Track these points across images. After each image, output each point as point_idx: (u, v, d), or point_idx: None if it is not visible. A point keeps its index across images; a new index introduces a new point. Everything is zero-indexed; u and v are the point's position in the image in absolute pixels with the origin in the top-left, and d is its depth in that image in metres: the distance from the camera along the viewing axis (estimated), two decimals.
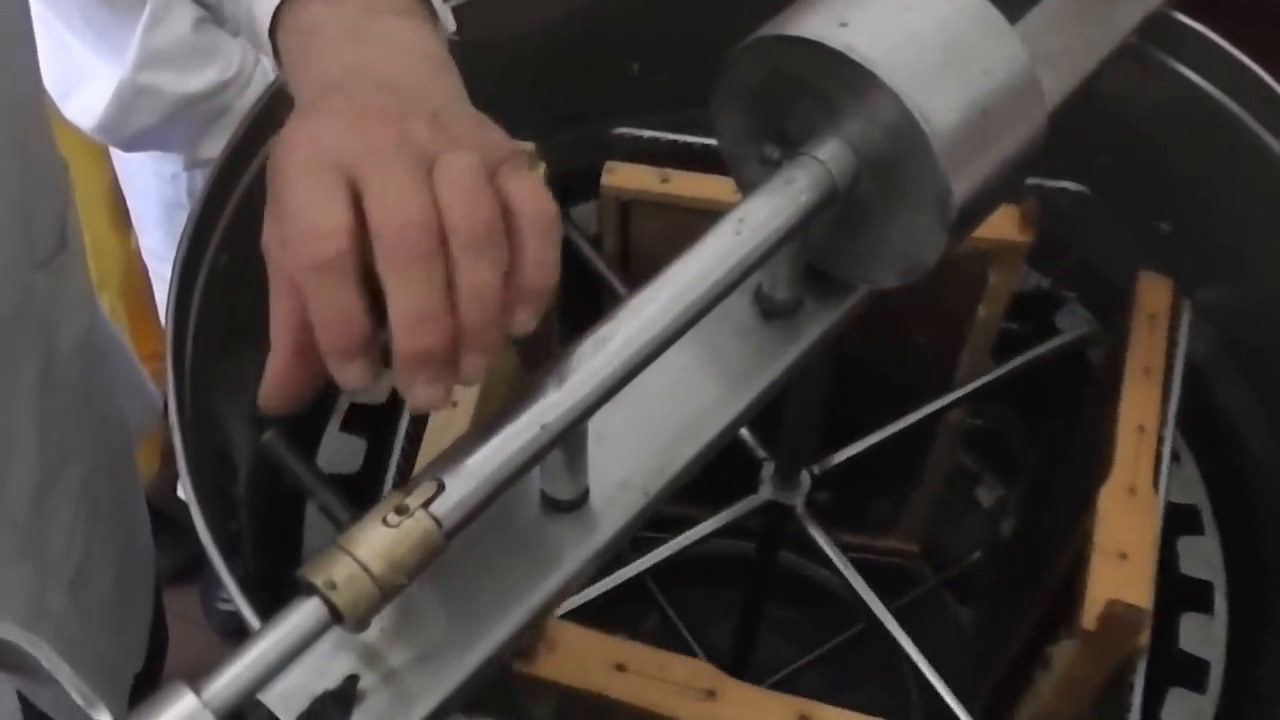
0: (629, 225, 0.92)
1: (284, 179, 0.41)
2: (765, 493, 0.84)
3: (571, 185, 0.92)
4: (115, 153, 1.24)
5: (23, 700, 0.77)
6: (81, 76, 1.00)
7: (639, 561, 0.89)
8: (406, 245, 0.39)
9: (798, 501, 0.84)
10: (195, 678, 0.38)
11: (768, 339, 0.61)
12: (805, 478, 0.88)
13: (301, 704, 0.45)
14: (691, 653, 1.12)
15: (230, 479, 0.74)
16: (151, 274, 1.33)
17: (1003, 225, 0.84)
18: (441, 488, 0.42)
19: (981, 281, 0.88)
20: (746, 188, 0.61)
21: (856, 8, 0.52)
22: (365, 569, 0.40)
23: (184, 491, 0.60)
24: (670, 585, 1.14)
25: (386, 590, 0.41)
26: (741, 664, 1.08)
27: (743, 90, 0.56)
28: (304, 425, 0.84)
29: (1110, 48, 0.76)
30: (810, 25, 0.51)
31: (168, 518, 1.08)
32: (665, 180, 0.88)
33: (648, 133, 0.93)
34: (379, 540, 0.41)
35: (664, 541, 0.89)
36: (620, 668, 0.64)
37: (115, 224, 1.36)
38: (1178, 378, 0.81)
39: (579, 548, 0.52)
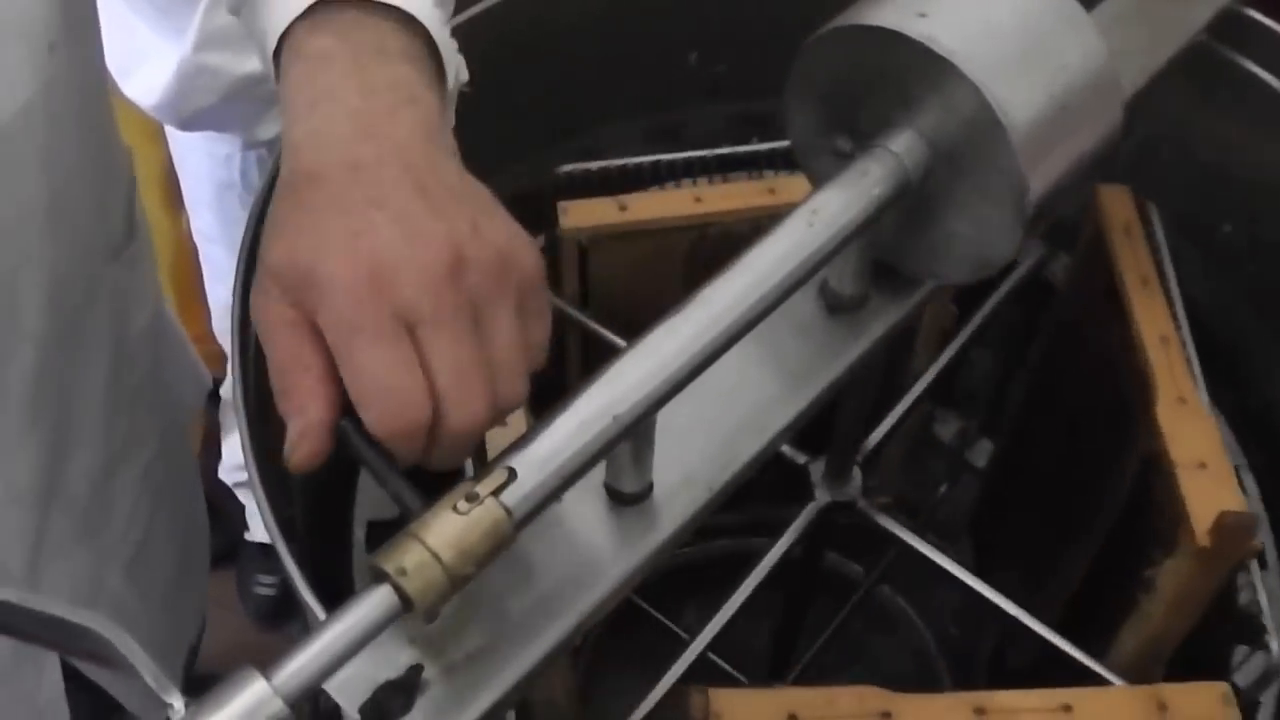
0: (587, 263, 0.88)
1: (340, 305, 0.41)
2: (823, 496, 0.82)
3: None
4: (170, 134, 1.23)
5: (67, 677, 0.78)
6: (142, 55, 1.00)
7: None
8: (472, 431, 0.42)
9: (856, 497, 0.83)
10: (265, 663, 0.37)
11: (832, 335, 0.60)
12: (856, 473, 0.87)
13: (363, 693, 0.45)
14: (731, 647, 1.11)
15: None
16: (201, 256, 1.33)
17: None
18: (513, 476, 0.42)
19: None
20: (816, 181, 0.60)
21: None
22: (435, 556, 0.40)
23: (249, 475, 0.60)
24: (700, 582, 1.13)
25: (456, 579, 0.40)
26: (783, 664, 1.07)
27: (816, 81, 0.56)
28: None
29: (1180, 45, 0.75)
30: (889, 15, 0.51)
31: (207, 501, 1.08)
32: (624, 208, 0.85)
33: (593, 165, 0.90)
34: (450, 528, 0.40)
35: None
36: (792, 717, 0.64)
37: (167, 205, 1.36)
38: (1173, 284, 0.80)
39: (641, 542, 0.51)
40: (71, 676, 0.78)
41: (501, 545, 0.41)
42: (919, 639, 1.19)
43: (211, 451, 1.53)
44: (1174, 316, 0.79)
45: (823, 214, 0.51)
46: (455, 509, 0.40)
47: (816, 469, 0.87)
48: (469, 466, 0.53)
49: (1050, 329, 0.98)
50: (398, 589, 0.40)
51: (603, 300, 0.89)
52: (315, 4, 0.47)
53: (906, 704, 0.62)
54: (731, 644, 1.10)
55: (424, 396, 0.41)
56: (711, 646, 0.78)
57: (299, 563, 0.58)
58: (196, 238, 1.32)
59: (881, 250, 0.59)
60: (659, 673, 0.73)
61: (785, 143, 0.89)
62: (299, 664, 0.38)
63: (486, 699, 0.46)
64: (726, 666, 0.98)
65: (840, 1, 0.54)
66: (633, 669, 0.76)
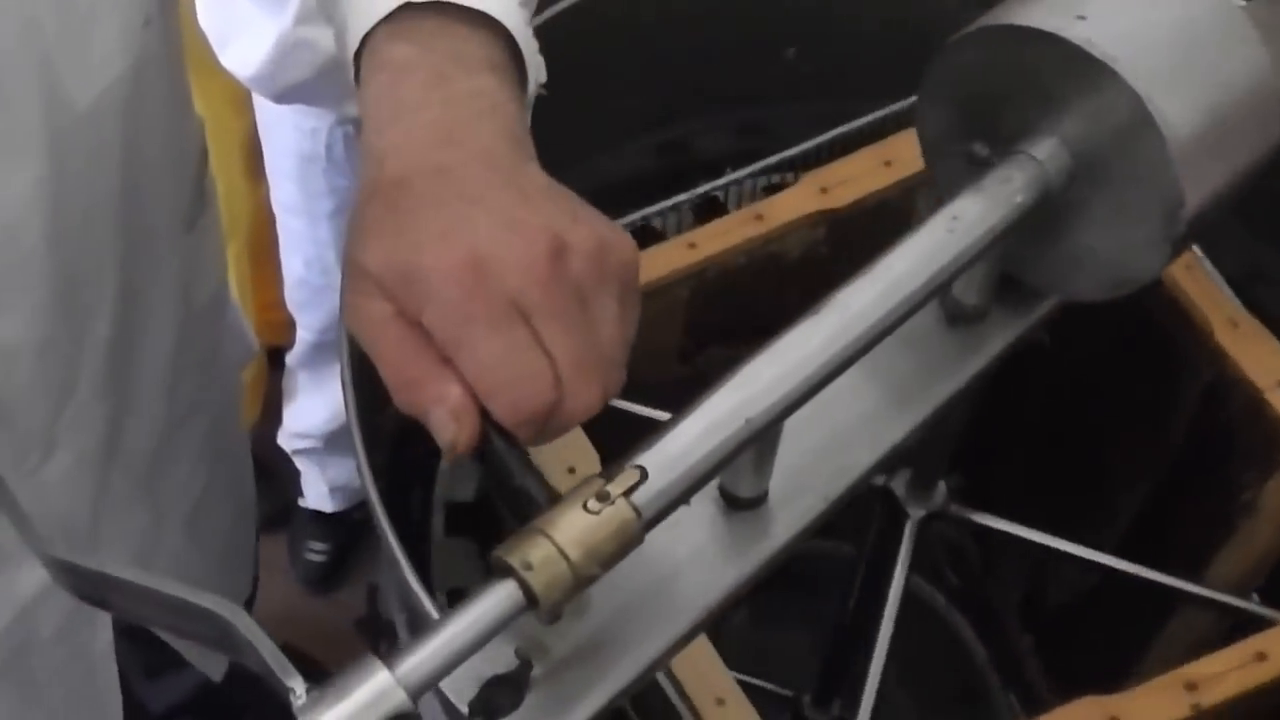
0: None
1: (449, 298, 0.39)
2: (917, 511, 0.80)
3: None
4: (258, 105, 1.23)
5: (119, 635, 0.78)
6: (242, 26, 0.99)
7: None
8: (589, 410, 0.41)
9: (945, 505, 0.81)
10: (389, 654, 0.36)
11: (951, 346, 0.58)
12: (941, 489, 0.85)
13: (472, 688, 0.43)
14: (781, 651, 1.09)
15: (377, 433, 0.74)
16: (279, 226, 1.33)
17: None
18: (644, 476, 0.40)
19: None
20: (945, 184, 0.58)
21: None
22: (562, 553, 0.38)
23: (356, 449, 0.59)
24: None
25: (581, 578, 0.39)
26: (838, 678, 1.05)
27: (955, 82, 0.53)
28: None
29: None
30: (1044, 16, 0.48)
31: (261, 465, 1.08)
32: (693, 246, 0.80)
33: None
34: (578, 526, 0.39)
35: None
36: None
37: (249, 174, 1.36)
38: None
39: (755, 548, 0.50)
40: (122, 634, 0.78)
41: (629, 546, 0.40)
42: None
43: (273, 417, 1.54)
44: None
45: (963, 220, 0.49)
46: (585, 507, 0.39)
47: (899, 485, 0.86)
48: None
49: None
50: (523, 584, 0.38)
51: None
52: (397, 9, 0.46)
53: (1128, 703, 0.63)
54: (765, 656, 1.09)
55: (551, 379, 0.40)
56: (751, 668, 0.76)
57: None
58: (276, 208, 1.31)
59: (1008, 261, 0.57)
60: None
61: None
62: (422, 657, 0.37)
63: (594, 700, 0.44)
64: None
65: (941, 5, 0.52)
66: None
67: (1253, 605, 0.78)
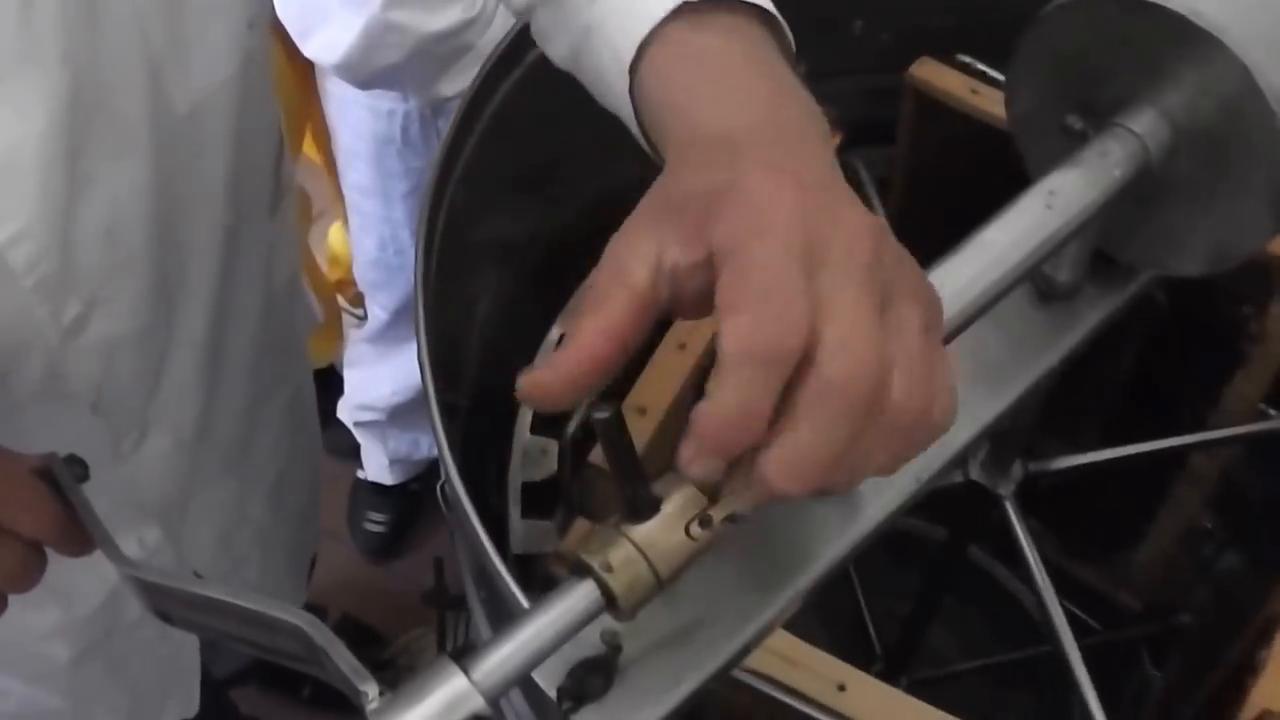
0: (923, 132, 0.85)
1: (756, 240, 0.35)
2: (972, 472, 0.79)
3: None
4: (329, 90, 1.23)
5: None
6: (325, 15, 1.00)
7: None
8: (845, 397, 0.34)
9: (1007, 491, 0.80)
10: (463, 657, 0.35)
11: (1043, 323, 0.57)
12: (1018, 469, 0.84)
13: (561, 672, 0.43)
14: (861, 621, 1.08)
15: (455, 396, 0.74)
16: (351, 208, 1.33)
17: None
18: None
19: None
20: (1035, 159, 0.57)
21: None
22: (645, 557, 0.37)
23: (432, 415, 0.58)
24: None
25: (665, 581, 0.37)
26: (909, 650, 1.04)
27: (1049, 53, 0.52)
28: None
29: None
30: None
31: None
32: (975, 92, 0.81)
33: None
34: (674, 544, 0.37)
35: None
36: None
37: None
38: None
39: (849, 529, 0.48)
40: None
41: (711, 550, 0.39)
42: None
43: (329, 391, 1.55)
44: None
45: (1061, 195, 0.47)
46: (689, 533, 0.37)
47: (975, 464, 0.84)
48: None
49: None
50: (602, 586, 0.37)
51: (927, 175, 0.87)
52: (680, 6, 0.45)
53: None
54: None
55: (805, 320, 0.34)
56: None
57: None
58: (348, 190, 1.31)
59: (1103, 237, 0.56)
60: None
61: None
62: (498, 659, 0.36)
63: (690, 682, 0.44)
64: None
65: None
66: None
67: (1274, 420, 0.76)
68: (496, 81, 0.73)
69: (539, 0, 0.52)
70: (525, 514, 0.78)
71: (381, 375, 1.48)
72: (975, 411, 0.54)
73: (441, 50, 1.03)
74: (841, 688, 0.58)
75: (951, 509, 0.88)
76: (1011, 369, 0.56)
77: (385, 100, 1.17)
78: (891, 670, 1.02)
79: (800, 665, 0.58)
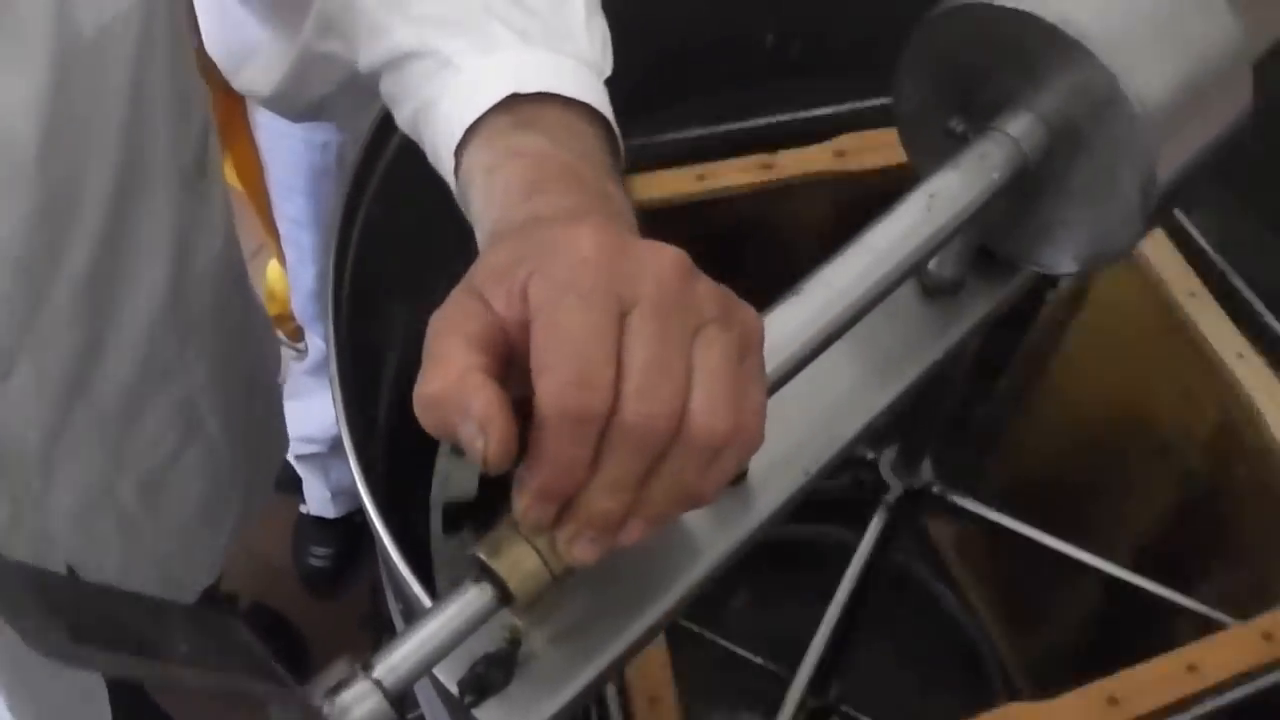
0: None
1: (563, 294, 0.36)
2: (898, 487, 0.81)
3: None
4: (260, 123, 1.21)
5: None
6: (254, 48, 0.98)
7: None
8: (646, 434, 0.36)
9: (930, 481, 0.82)
10: (361, 655, 0.36)
11: (928, 319, 0.58)
12: (927, 468, 0.86)
13: (463, 666, 0.44)
14: (780, 636, 1.11)
15: (371, 428, 0.74)
16: (287, 242, 1.31)
17: None
18: None
19: None
20: (920, 159, 0.59)
21: None
22: (537, 551, 0.38)
23: (350, 454, 0.59)
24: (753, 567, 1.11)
25: (558, 574, 0.38)
26: (837, 654, 1.06)
27: (932, 58, 0.53)
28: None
29: None
30: None
31: None
32: (702, 178, 0.81)
33: (663, 137, 0.87)
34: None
35: None
36: None
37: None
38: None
39: (739, 523, 0.49)
40: None
41: None
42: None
43: None
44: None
45: (941, 197, 0.49)
46: None
47: (886, 461, 0.87)
48: None
49: None
50: (498, 582, 0.38)
51: None
52: (509, 98, 0.46)
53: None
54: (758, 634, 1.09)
55: (608, 375, 0.36)
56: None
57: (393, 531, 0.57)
58: (283, 224, 1.29)
59: (985, 234, 0.58)
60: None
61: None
62: (400, 657, 0.37)
63: (589, 671, 0.44)
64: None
65: None
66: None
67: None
68: None
69: (384, 66, 0.54)
70: (450, 532, 0.78)
71: (323, 406, 1.45)
72: (865, 402, 0.56)
73: (373, 81, 1.02)
74: None
75: (866, 514, 0.91)
76: (900, 362, 0.57)
77: (319, 132, 1.15)
78: (821, 676, 1.04)
79: None
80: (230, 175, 1.39)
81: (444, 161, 0.49)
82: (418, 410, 0.36)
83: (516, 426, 0.36)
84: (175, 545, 0.88)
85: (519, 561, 0.38)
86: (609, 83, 0.52)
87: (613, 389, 0.36)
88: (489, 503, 0.76)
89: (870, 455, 0.86)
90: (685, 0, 0.90)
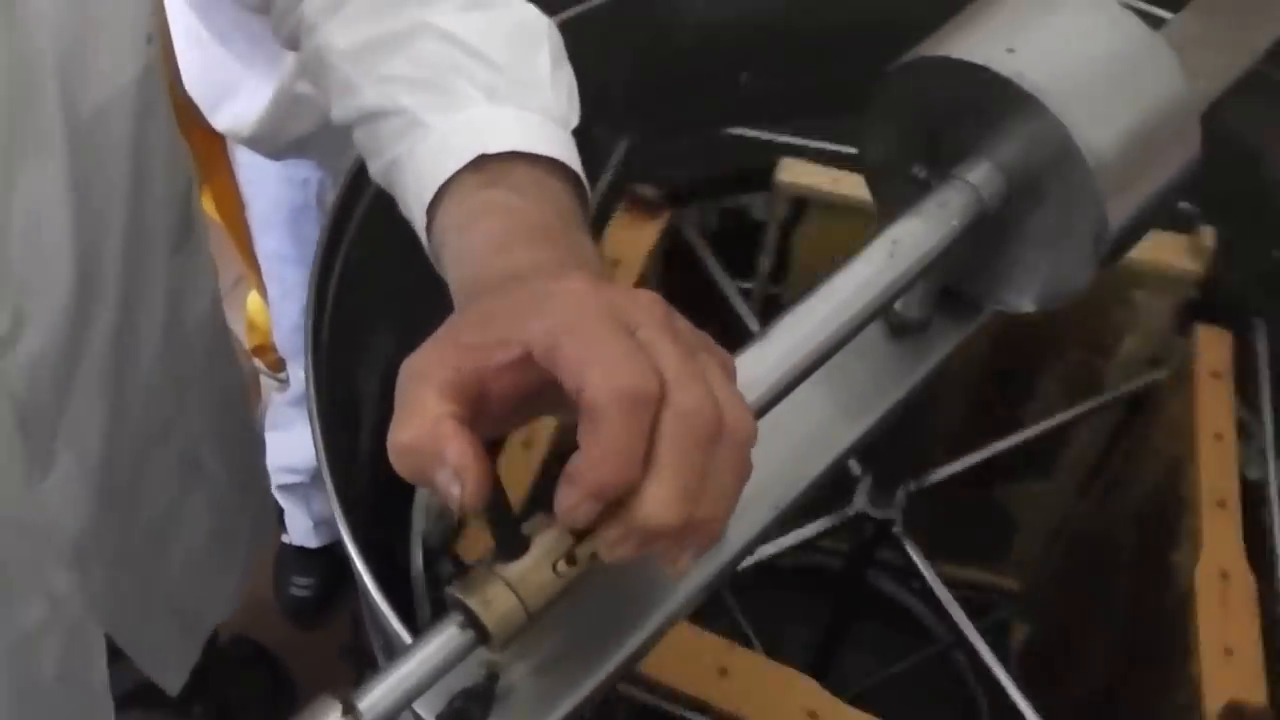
0: (794, 225, 0.90)
1: (579, 319, 0.38)
2: (859, 504, 0.83)
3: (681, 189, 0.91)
4: (241, 160, 1.23)
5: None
6: (233, 88, 0.98)
7: None
8: (699, 426, 0.37)
9: (895, 517, 0.84)
10: (341, 691, 0.37)
11: (895, 357, 0.60)
12: (901, 495, 0.88)
13: (442, 700, 0.45)
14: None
15: (352, 458, 0.75)
16: (269, 276, 1.32)
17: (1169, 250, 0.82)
18: None
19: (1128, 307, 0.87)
20: (884, 203, 0.61)
21: (1023, 32, 0.51)
22: (516, 594, 0.39)
23: (327, 484, 0.60)
24: (739, 591, 1.13)
25: (535, 615, 0.39)
26: (820, 676, 1.07)
27: (895, 107, 0.55)
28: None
29: (1238, 73, 0.75)
30: (977, 49, 0.50)
31: None
32: (836, 181, 0.85)
33: (759, 133, 0.90)
34: (542, 581, 0.39)
35: None
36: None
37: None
38: (1268, 428, 0.78)
39: (711, 558, 0.50)
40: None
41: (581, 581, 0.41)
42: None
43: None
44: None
45: (903, 244, 0.51)
46: (555, 570, 0.39)
47: (865, 480, 0.88)
48: None
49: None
50: (476, 622, 0.39)
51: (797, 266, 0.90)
52: (479, 157, 0.48)
53: None
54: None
55: (651, 364, 0.37)
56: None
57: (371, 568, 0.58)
58: (264, 259, 1.30)
59: (948, 274, 0.60)
60: None
61: None
62: (380, 693, 0.38)
63: (566, 704, 0.45)
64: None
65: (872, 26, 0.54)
66: None
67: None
68: None
69: (356, 120, 0.55)
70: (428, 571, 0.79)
71: (305, 437, 1.42)
72: (834, 439, 0.58)
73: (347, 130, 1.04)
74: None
75: (847, 539, 0.92)
76: (868, 399, 0.59)
77: (299, 169, 1.16)
78: None
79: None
80: (209, 207, 1.40)
81: (416, 218, 0.51)
82: (393, 458, 0.37)
83: (491, 471, 0.37)
84: (187, 589, 0.90)
85: (496, 601, 0.39)
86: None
87: (660, 377, 0.37)
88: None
89: (856, 471, 0.87)
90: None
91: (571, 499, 0.37)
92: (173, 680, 0.91)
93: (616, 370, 0.36)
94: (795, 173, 0.86)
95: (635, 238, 0.84)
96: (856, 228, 0.84)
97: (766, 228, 0.92)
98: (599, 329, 0.37)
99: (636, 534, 0.37)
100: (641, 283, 0.83)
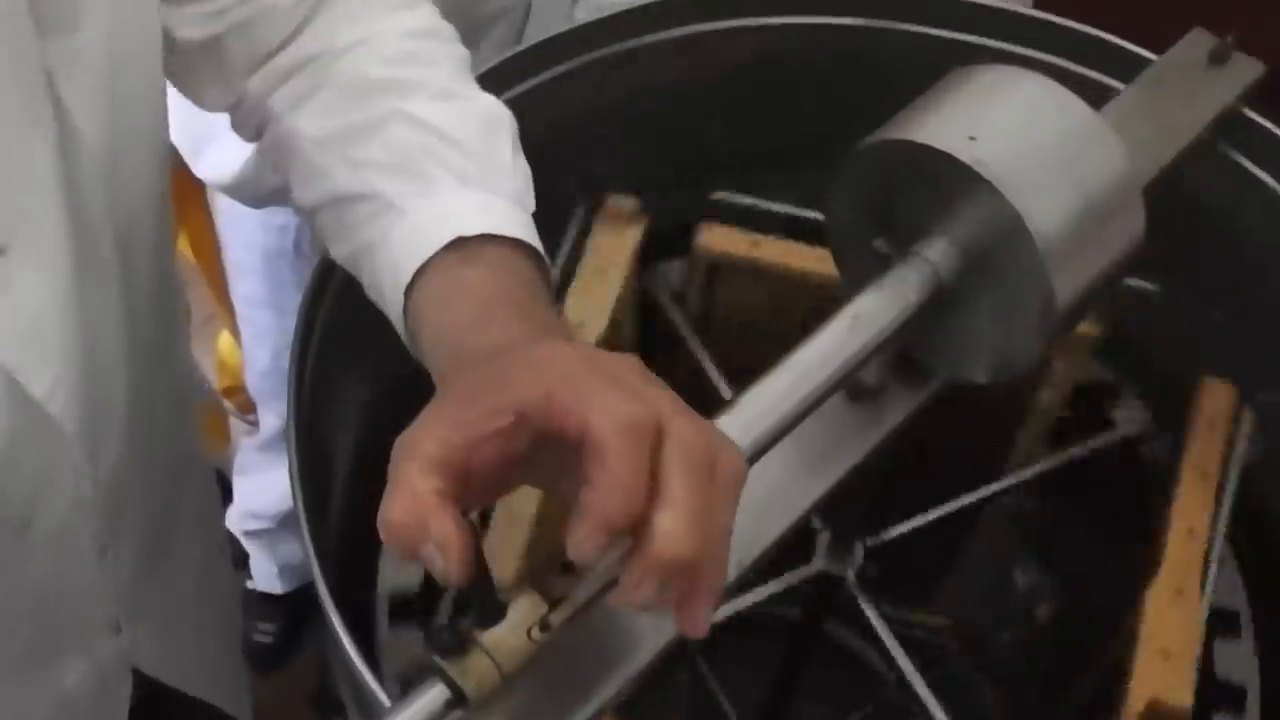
0: (715, 286, 0.92)
1: (569, 373, 0.40)
2: (819, 563, 0.85)
3: (664, 242, 0.93)
4: (219, 205, 1.24)
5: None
6: (215, 137, 0.99)
7: None
8: (699, 457, 0.39)
9: (849, 573, 0.86)
10: None
11: (852, 421, 0.63)
12: (859, 550, 0.90)
13: None
14: (723, 712, 1.14)
15: (326, 521, 0.77)
16: (242, 320, 1.33)
17: None
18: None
19: (1045, 367, 0.89)
20: (847, 272, 0.63)
21: (983, 120, 0.53)
22: (493, 661, 0.41)
23: (302, 531, 0.62)
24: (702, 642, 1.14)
25: (508, 675, 0.42)
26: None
27: (858, 184, 0.58)
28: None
29: (1183, 145, 0.78)
30: (941, 136, 0.52)
31: None
32: (755, 245, 0.87)
33: (744, 199, 0.91)
34: (517, 645, 0.41)
35: None
36: None
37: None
38: (1232, 483, 0.80)
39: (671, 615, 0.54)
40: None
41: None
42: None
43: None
44: (1215, 515, 0.79)
45: (863, 318, 0.53)
46: (529, 636, 0.41)
47: (824, 537, 0.90)
48: None
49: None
50: (453, 686, 0.41)
51: (723, 322, 0.93)
52: (454, 240, 0.50)
53: None
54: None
55: (647, 398, 0.40)
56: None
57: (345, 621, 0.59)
58: (238, 302, 1.31)
59: (906, 343, 0.63)
60: None
61: None
62: None
63: None
64: None
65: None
66: None
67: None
68: None
69: (325, 203, 0.57)
70: (396, 622, 0.80)
71: (272, 482, 1.45)
72: (793, 499, 0.60)
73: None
74: None
75: (805, 594, 0.94)
76: (827, 461, 0.62)
77: (277, 215, 1.17)
78: None
79: None
80: (184, 248, 1.41)
81: (389, 300, 0.52)
82: (382, 533, 0.39)
83: (473, 543, 0.39)
84: (187, 626, 0.89)
85: (473, 667, 0.41)
86: None
87: (657, 410, 0.39)
88: (434, 593, 0.79)
89: (816, 525, 0.89)
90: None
91: (580, 533, 0.38)
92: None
93: (615, 405, 0.39)
94: (713, 237, 0.88)
95: (619, 243, 0.86)
96: (777, 291, 0.87)
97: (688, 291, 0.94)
98: (590, 379, 0.40)
99: (654, 570, 0.38)
100: (628, 284, 0.86)
